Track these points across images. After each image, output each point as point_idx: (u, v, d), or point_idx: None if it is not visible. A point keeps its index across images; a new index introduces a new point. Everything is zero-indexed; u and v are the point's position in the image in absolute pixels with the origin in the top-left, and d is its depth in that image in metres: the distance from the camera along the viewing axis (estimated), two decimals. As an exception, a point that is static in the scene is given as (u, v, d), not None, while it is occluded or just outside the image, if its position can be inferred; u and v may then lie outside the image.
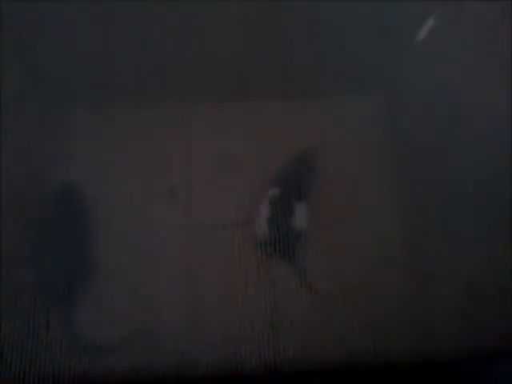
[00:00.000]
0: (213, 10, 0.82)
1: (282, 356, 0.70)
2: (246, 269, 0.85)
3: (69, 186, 0.91)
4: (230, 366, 0.71)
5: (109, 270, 0.86)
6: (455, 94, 0.81)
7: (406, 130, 0.96)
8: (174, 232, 0.89)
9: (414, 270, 0.87)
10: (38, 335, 0.78)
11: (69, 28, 0.83)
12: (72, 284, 0.85)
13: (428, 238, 0.86)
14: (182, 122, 0.97)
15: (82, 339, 0.82)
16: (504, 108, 0.72)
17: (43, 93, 0.93)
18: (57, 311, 0.82)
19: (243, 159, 0.95)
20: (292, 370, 0.62)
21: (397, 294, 0.85)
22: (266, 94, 0.97)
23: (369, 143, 0.97)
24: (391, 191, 0.93)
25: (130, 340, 0.81)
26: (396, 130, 0.98)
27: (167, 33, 0.86)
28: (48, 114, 0.94)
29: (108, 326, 0.83)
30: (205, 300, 0.86)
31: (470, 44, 0.77)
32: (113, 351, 0.81)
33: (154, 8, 0.81)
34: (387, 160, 0.96)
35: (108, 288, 0.85)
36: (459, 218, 0.77)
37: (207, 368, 0.70)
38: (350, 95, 1.00)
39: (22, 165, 0.86)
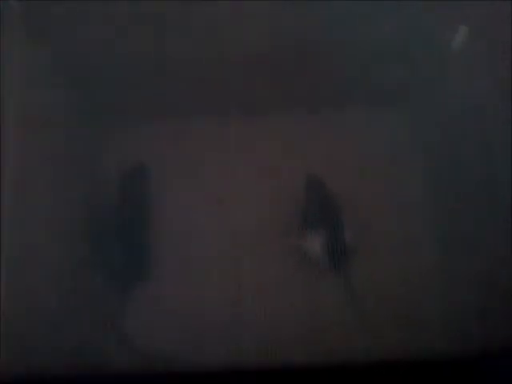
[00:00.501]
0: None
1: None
2: (292, 280, 0.90)
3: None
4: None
5: (159, 273, 0.91)
6: (484, 107, 0.80)
7: (432, 143, 0.98)
8: (223, 240, 0.93)
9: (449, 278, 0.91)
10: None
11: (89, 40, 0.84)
12: (125, 282, 0.90)
13: (460, 244, 0.89)
14: (220, 134, 1.01)
15: (129, 339, 0.86)
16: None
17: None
18: (107, 311, 0.88)
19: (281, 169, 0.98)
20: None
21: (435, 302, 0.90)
22: (293, 106, 1.00)
23: (395, 156, 1.00)
24: (423, 201, 0.98)
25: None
26: (422, 142, 1.00)
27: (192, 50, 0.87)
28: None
29: (156, 328, 0.88)
30: (249, 307, 0.89)
31: (503, 55, 0.76)
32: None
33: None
34: (415, 170, 1.00)
35: (158, 291, 0.90)
36: (495, 229, 0.78)
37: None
38: (375, 108, 1.02)
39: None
